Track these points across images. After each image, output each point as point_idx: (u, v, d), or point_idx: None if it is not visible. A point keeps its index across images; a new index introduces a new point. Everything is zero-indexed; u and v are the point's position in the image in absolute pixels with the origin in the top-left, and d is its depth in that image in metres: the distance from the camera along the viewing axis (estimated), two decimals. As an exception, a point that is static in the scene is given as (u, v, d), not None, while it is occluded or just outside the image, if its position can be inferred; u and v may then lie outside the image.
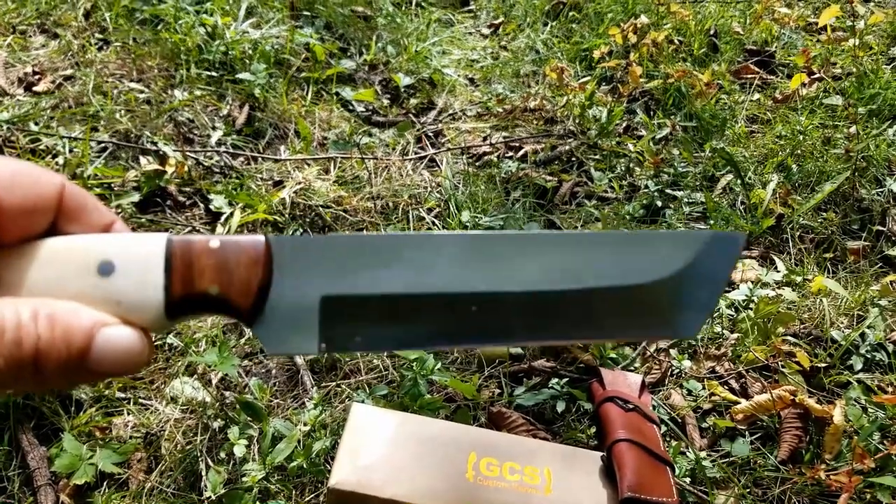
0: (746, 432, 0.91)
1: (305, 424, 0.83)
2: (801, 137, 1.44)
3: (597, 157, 1.52)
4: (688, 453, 0.85)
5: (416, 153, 1.55)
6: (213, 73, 1.66)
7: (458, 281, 0.27)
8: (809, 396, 0.93)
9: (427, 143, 1.62)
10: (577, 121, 1.63)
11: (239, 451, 0.79)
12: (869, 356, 1.00)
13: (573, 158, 1.52)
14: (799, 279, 1.13)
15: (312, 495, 0.79)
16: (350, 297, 0.27)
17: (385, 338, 0.27)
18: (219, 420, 0.86)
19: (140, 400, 0.91)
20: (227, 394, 0.91)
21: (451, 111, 1.74)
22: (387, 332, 0.27)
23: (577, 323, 0.27)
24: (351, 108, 1.70)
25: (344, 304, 0.27)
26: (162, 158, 1.39)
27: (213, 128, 1.55)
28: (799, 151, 1.42)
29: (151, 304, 0.25)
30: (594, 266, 0.27)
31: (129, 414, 0.88)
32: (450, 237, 0.28)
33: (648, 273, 0.27)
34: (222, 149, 1.46)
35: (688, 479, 0.82)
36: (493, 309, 0.27)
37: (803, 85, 1.58)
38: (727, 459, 0.87)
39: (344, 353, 0.29)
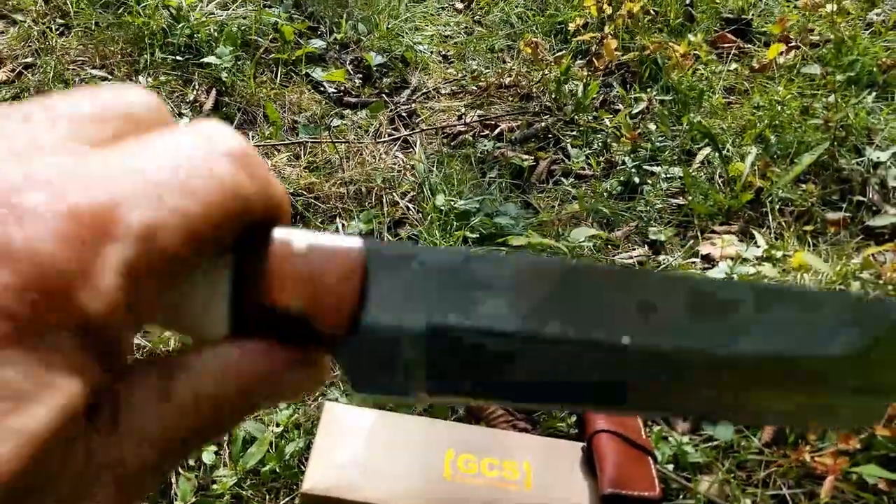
0: (729, 413, 0.90)
1: (278, 425, 0.80)
2: (779, 108, 1.42)
3: (573, 133, 1.49)
4: (670, 439, 0.84)
5: (389, 135, 1.50)
6: (179, 58, 1.60)
7: (622, 328, 0.20)
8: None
9: (400, 123, 1.58)
10: (553, 96, 1.59)
11: (207, 457, 0.76)
12: (850, 330, 0.99)
13: (550, 135, 1.49)
14: (779, 254, 1.11)
15: (287, 499, 0.77)
16: (469, 329, 0.20)
17: (509, 387, 0.20)
18: (188, 424, 0.83)
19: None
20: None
21: (424, 90, 1.69)
22: (511, 380, 0.20)
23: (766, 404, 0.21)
24: (322, 89, 1.65)
25: (458, 337, 0.20)
26: (124, 149, 1.34)
27: (180, 114, 1.49)
28: (777, 122, 1.40)
29: (211, 319, 0.20)
30: (818, 329, 0.21)
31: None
32: (604, 271, 0.21)
33: (851, 343, 0.21)
34: (187, 137, 1.41)
35: (671, 466, 0.81)
36: (672, 368, 0.20)
37: (781, 54, 1.56)
38: (710, 444, 0.86)
39: (448, 400, 0.22)
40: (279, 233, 0.20)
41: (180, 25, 1.62)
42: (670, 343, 0.20)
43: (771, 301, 0.21)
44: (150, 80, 1.54)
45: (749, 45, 1.70)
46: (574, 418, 0.87)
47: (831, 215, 1.21)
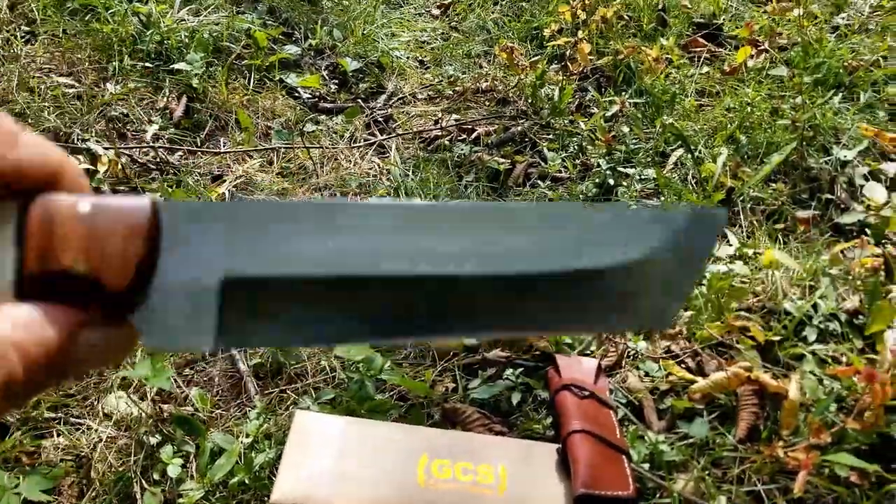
0: (704, 412, 0.90)
1: (247, 436, 0.78)
2: (749, 109, 1.43)
3: (550, 136, 1.49)
4: (646, 438, 0.84)
5: (365, 140, 1.49)
6: (149, 64, 1.58)
7: (394, 261, 0.21)
8: (765, 371, 0.93)
9: (376, 128, 1.57)
10: (529, 101, 1.59)
11: (173, 471, 0.74)
12: (822, 327, 1.00)
13: (526, 139, 1.49)
14: (751, 252, 1.12)
15: (258, 510, 0.75)
16: (259, 278, 0.21)
17: (300, 329, 0.21)
18: (156, 436, 0.81)
19: (72, 419, 0.85)
20: (165, 407, 0.86)
21: (401, 95, 1.69)
22: (302, 322, 0.21)
23: (537, 312, 0.22)
24: (296, 95, 1.64)
25: (251, 287, 0.21)
26: (93, 157, 1.31)
27: (150, 122, 1.47)
28: (748, 123, 1.41)
29: None
30: (559, 245, 0.22)
31: (59, 435, 0.83)
32: (386, 206, 0.22)
33: (618, 255, 0.23)
34: (158, 144, 1.39)
35: (646, 465, 0.81)
36: (437, 295, 0.21)
37: (750, 57, 1.58)
38: (686, 441, 0.86)
39: (244, 346, 0.23)
40: (65, 197, 0.21)
41: (150, 32, 1.60)
42: (463, 270, 0.22)
43: (563, 223, 0.23)
44: (118, 87, 1.52)
45: (720, 49, 1.73)
46: (550, 419, 0.87)
47: (801, 213, 1.23)
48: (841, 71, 1.50)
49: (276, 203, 0.22)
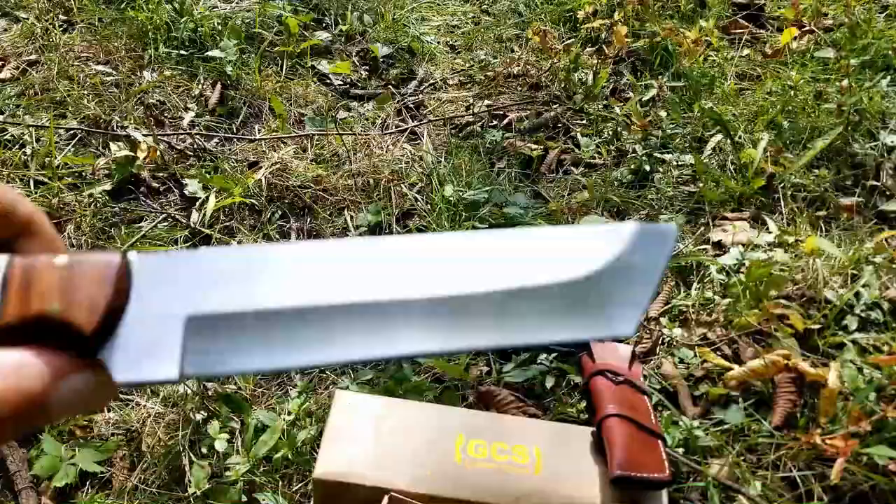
0: (740, 399, 0.89)
1: (289, 413, 0.80)
2: (791, 93, 1.40)
3: (583, 122, 1.48)
4: (680, 423, 0.84)
5: (396, 126, 1.50)
6: (183, 52, 1.60)
7: (346, 290, 0.24)
8: (803, 360, 0.92)
9: (408, 115, 1.58)
10: (562, 85, 1.58)
11: (220, 445, 0.77)
12: (864, 316, 0.98)
13: (559, 125, 1.48)
14: (791, 240, 1.10)
15: (300, 485, 0.78)
16: (219, 315, 0.23)
17: (259, 358, 0.24)
18: (201, 413, 0.84)
19: (121, 396, 0.88)
20: (209, 385, 0.89)
21: (432, 81, 1.69)
22: (261, 353, 0.23)
23: (492, 328, 0.24)
24: (328, 81, 1.65)
25: (211, 324, 0.23)
26: (133, 144, 1.35)
27: (186, 109, 1.49)
28: (790, 108, 1.38)
29: None
30: (511, 265, 0.24)
31: (110, 411, 0.86)
32: (339, 244, 0.25)
33: (571, 271, 0.24)
34: (195, 131, 1.42)
35: (681, 450, 0.81)
36: (390, 318, 0.24)
37: (794, 39, 1.54)
38: (720, 427, 0.85)
39: (208, 377, 0.25)
40: (44, 254, 0.24)
41: (184, 19, 1.62)
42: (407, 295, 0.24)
43: (526, 244, 0.25)
44: (154, 75, 1.55)
45: (761, 31, 1.68)
46: (584, 404, 0.87)
47: (844, 200, 1.20)
48: (890, 53, 1.45)
49: (238, 248, 0.26)
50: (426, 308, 0.24)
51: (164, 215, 1.24)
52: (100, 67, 1.56)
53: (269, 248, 0.25)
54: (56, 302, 0.22)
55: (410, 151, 1.43)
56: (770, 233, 1.12)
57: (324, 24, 1.82)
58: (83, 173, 1.30)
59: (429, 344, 0.23)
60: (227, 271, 0.24)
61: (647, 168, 1.31)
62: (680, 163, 1.32)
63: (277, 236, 1.21)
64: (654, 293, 0.25)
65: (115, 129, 1.39)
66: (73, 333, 0.22)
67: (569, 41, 1.70)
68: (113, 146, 1.34)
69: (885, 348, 0.93)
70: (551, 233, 0.26)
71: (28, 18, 1.67)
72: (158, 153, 1.33)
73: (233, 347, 0.23)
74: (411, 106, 1.60)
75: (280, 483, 0.78)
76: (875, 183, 1.22)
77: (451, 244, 0.25)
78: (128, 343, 0.23)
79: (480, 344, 0.24)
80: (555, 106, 1.53)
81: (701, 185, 1.26)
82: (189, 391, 0.87)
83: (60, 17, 1.70)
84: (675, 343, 0.97)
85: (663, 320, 1.00)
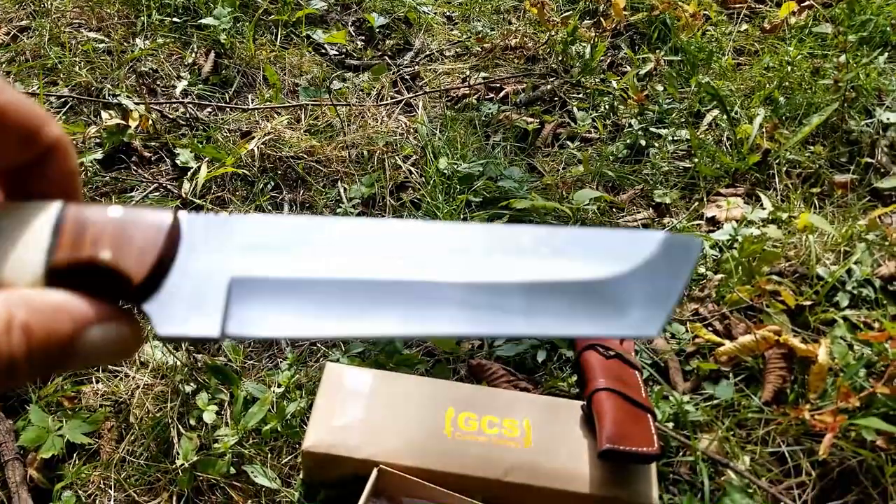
0: (730, 374, 0.90)
1: (279, 386, 0.80)
2: (789, 68, 1.38)
3: (580, 95, 1.46)
4: (670, 398, 0.84)
5: (391, 98, 1.48)
6: (177, 19, 1.57)
7: (389, 268, 0.25)
8: (794, 335, 0.92)
9: (403, 86, 1.55)
10: (559, 58, 1.56)
11: (208, 417, 0.77)
12: (855, 292, 0.98)
13: (555, 98, 1.46)
14: (785, 216, 1.10)
15: (290, 457, 0.78)
16: (263, 280, 0.24)
17: (299, 324, 0.24)
18: (190, 384, 0.84)
19: (110, 366, 0.88)
20: (199, 357, 0.89)
21: (428, 52, 1.66)
22: (301, 319, 0.24)
23: (522, 318, 0.25)
24: (323, 51, 1.62)
25: (255, 287, 0.24)
26: (125, 112, 1.32)
27: (178, 77, 1.47)
28: (787, 83, 1.37)
29: (28, 267, 0.22)
30: (545, 260, 0.25)
31: (98, 382, 0.86)
32: (387, 224, 0.26)
33: (602, 269, 0.25)
34: (188, 100, 1.39)
35: (670, 425, 0.82)
36: (428, 299, 0.24)
37: (792, 13, 1.52)
38: (710, 402, 0.86)
39: (248, 338, 0.26)
40: (97, 205, 0.24)
41: (178, -15, 1.59)
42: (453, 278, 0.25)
43: (560, 242, 0.26)
44: (147, 42, 1.52)
45: (760, 6, 1.66)
46: (575, 378, 0.88)
47: (839, 177, 1.20)
48: (888, 29, 1.43)
49: (290, 217, 0.26)
50: (464, 291, 0.24)
51: (155, 185, 1.22)
52: (92, 34, 1.53)
53: (318, 219, 0.26)
54: (108, 249, 0.23)
55: (405, 123, 1.41)
56: (764, 209, 1.12)
57: (318, -7, 1.78)
58: (74, 141, 1.28)
59: (461, 326, 0.24)
60: (275, 237, 0.25)
61: (643, 143, 1.30)
62: (676, 138, 1.31)
63: (270, 207, 1.20)
64: (679, 299, 0.26)
65: (106, 97, 1.37)
66: (122, 282, 0.23)
67: (566, 13, 1.67)
68: (104, 114, 1.32)
69: (876, 325, 0.93)
70: (586, 233, 0.27)
71: (16, -17, 1.63)
72: (150, 122, 1.31)
73: (274, 311, 0.24)
74: (407, 77, 1.58)
75: (269, 455, 0.78)
76: (870, 160, 1.22)
77: (490, 234, 0.26)
78: (173, 298, 0.23)
79: (509, 331, 0.25)
80: (551, 79, 1.51)
81: (696, 160, 1.25)
82: (178, 362, 0.86)
83: (50, -19, 1.66)
84: (666, 318, 0.97)
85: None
